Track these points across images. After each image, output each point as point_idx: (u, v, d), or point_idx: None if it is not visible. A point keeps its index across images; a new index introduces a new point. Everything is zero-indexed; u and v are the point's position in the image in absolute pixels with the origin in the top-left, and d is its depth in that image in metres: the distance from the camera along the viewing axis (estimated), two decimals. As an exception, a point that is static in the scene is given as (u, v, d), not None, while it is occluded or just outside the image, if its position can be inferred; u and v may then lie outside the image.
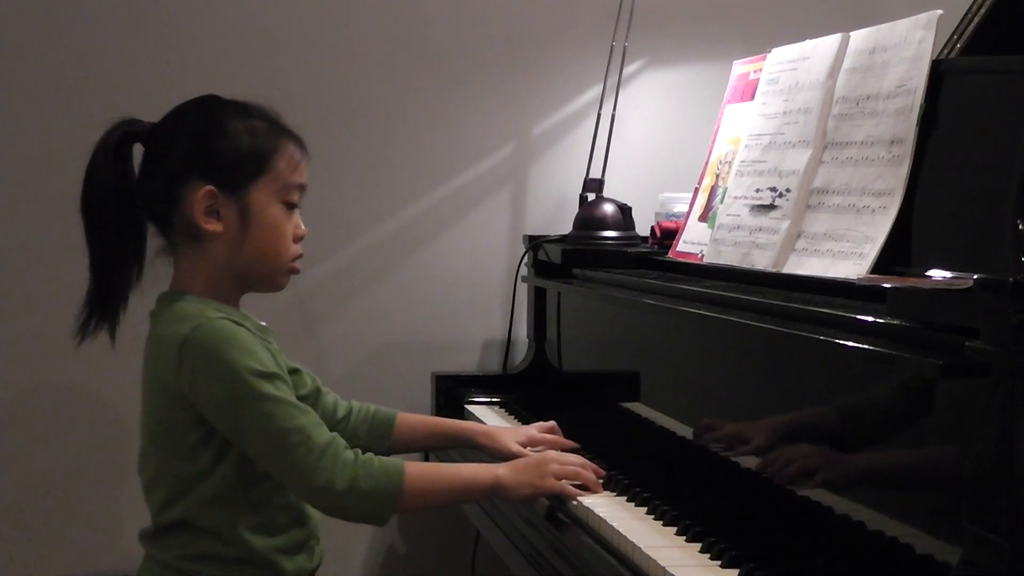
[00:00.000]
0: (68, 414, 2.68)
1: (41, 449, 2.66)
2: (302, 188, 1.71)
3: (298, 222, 1.71)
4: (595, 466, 1.78)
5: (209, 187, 1.63)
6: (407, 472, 1.63)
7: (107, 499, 2.68)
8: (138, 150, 1.70)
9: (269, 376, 1.59)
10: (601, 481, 1.77)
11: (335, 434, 1.63)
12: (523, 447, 1.93)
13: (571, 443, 1.95)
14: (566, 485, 1.73)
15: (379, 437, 1.90)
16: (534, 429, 1.98)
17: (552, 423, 2.00)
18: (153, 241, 1.71)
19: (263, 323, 1.74)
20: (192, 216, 1.64)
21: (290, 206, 1.69)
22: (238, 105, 1.70)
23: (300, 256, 1.72)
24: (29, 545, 2.66)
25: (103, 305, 1.67)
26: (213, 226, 1.64)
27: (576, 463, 1.76)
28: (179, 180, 1.64)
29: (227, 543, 1.63)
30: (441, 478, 1.70)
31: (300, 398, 1.79)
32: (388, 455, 1.90)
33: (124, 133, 1.67)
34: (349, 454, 1.61)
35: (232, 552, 1.63)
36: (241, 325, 1.63)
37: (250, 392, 1.57)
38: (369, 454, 1.63)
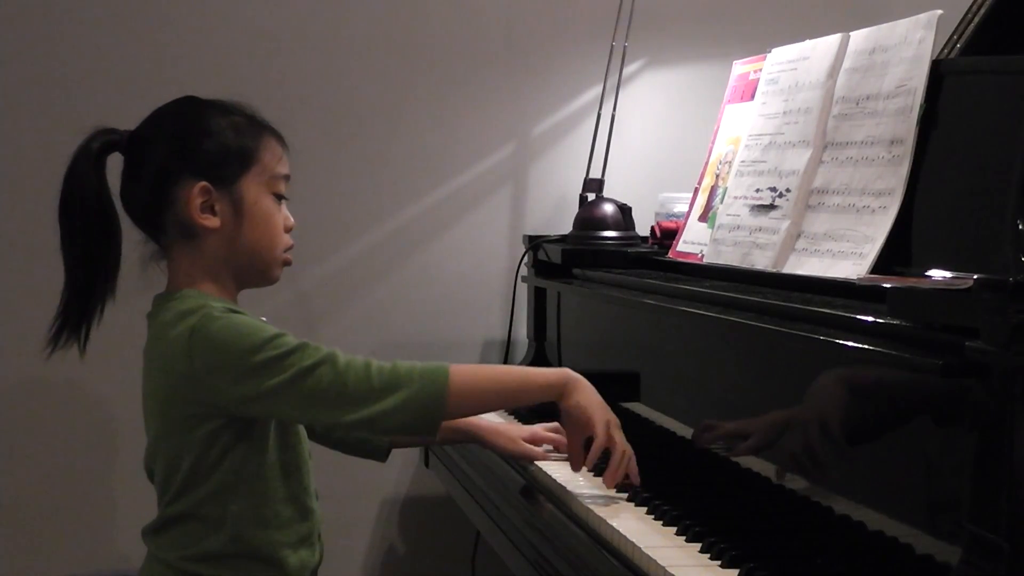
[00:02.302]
0: (67, 414, 2.68)
1: (40, 449, 2.66)
2: (288, 179, 1.73)
3: (287, 213, 1.73)
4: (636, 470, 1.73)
5: (203, 183, 1.64)
6: (453, 366, 1.62)
7: (106, 499, 2.67)
8: (114, 161, 1.70)
9: (276, 336, 1.59)
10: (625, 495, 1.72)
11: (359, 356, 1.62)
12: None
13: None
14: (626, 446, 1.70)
15: None
16: (539, 428, 1.99)
17: (556, 423, 2.00)
18: (142, 246, 1.71)
19: (264, 319, 1.75)
20: (188, 213, 1.64)
21: (279, 197, 1.71)
22: (216, 104, 1.71)
23: (291, 247, 1.73)
24: (28, 545, 2.66)
25: (77, 317, 1.67)
26: (210, 221, 1.65)
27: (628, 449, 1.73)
28: (169, 180, 1.65)
29: (230, 537, 1.63)
30: (492, 371, 1.71)
31: None
32: (390, 447, 1.92)
33: (103, 143, 1.66)
34: (382, 363, 1.61)
35: (235, 548, 1.63)
36: (241, 313, 1.64)
37: (264, 360, 1.57)
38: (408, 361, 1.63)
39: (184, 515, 1.64)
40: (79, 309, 1.67)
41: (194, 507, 1.63)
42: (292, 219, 1.73)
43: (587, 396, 1.69)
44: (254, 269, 1.71)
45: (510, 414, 2.39)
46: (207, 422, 1.61)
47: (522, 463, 1.96)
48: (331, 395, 1.57)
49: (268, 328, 1.61)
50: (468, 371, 1.64)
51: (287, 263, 1.74)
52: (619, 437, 1.72)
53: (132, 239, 1.70)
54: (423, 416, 1.60)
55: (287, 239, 1.72)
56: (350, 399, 1.58)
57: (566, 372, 1.70)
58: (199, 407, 1.61)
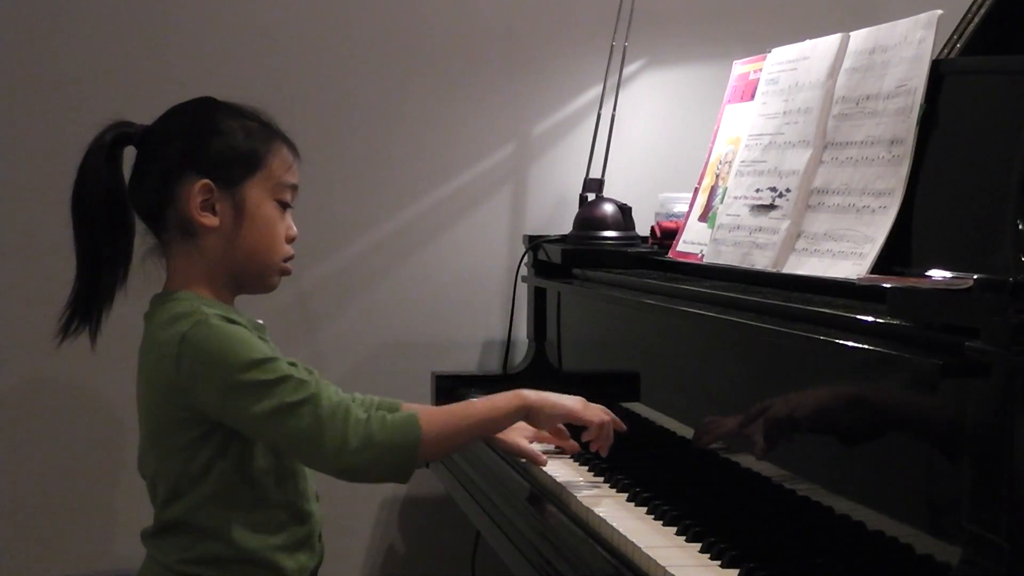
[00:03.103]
0: (67, 413, 2.67)
1: (40, 449, 2.66)
2: (295, 188, 1.73)
3: (290, 223, 1.72)
4: (618, 419, 1.82)
5: (205, 181, 1.64)
6: (422, 416, 1.62)
7: (106, 499, 2.68)
8: (128, 154, 1.70)
9: (267, 361, 1.59)
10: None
11: (344, 397, 1.62)
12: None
13: (575, 445, 1.95)
14: (602, 416, 1.77)
15: None
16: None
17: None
18: (143, 242, 1.71)
19: (260, 321, 1.74)
20: (188, 210, 1.64)
21: (283, 206, 1.70)
22: (233, 107, 1.72)
23: (291, 257, 1.73)
24: (28, 545, 2.66)
25: (87, 306, 1.67)
26: (209, 220, 1.65)
27: (605, 414, 1.80)
28: (174, 176, 1.65)
29: (226, 543, 1.63)
30: (459, 414, 1.69)
31: None
32: None
33: (117, 135, 1.67)
34: (360, 412, 1.60)
35: (232, 552, 1.63)
36: (236, 322, 1.63)
37: (250, 383, 1.57)
38: (381, 412, 1.63)
39: (179, 523, 1.64)
40: (89, 299, 1.67)
41: (188, 515, 1.63)
42: (295, 229, 1.73)
43: (550, 407, 1.73)
44: (250, 274, 1.70)
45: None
46: (195, 427, 1.61)
47: (522, 463, 1.96)
48: (306, 440, 1.58)
49: (261, 347, 1.61)
50: (436, 422, 1.64)
51: (286, 272, 1.73)
52: (597, 410, 1.79)
53: (143, 233, 1.71)
54: (394, 471, 1.62)
55: (287, 249, 1.72)
56: (324, 451, 1.58)
57: (519, 395, 1.72)
58: (185, 412, 1.61)
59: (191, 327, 1.59)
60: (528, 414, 1.73)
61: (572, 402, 1.77)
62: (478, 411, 1.71)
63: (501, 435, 1.91)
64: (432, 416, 1.65)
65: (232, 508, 1.63)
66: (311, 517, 1.71)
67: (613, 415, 1.82)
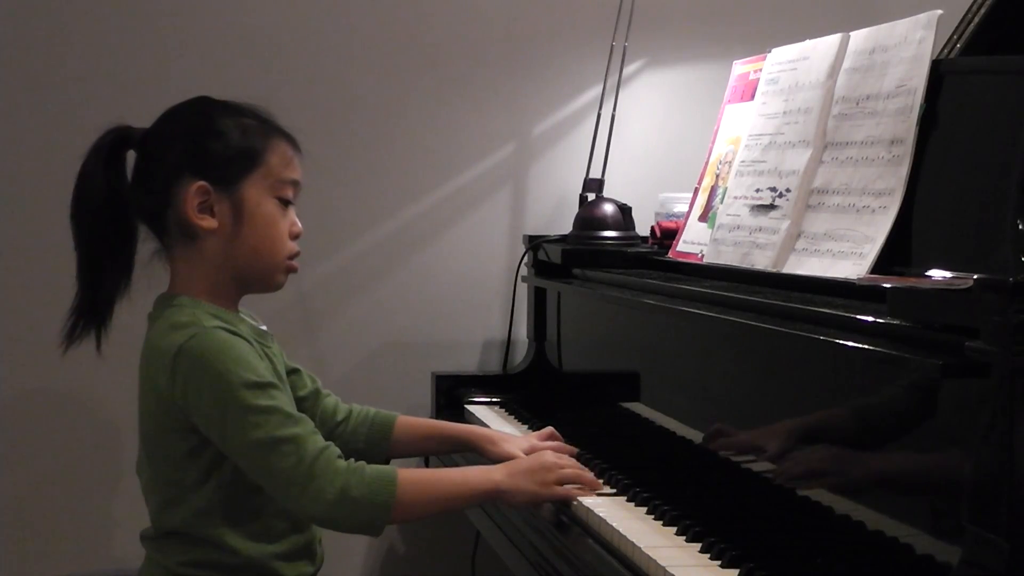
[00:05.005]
0: (67, 415, 2.68)
1: (40, 450, 2.66)
2: (296, 184, 1.71)
3: (294, 219, 1.70)
4: (583, 471, 1.77)
5: (201, 183, 1.63)
6: (400, 480, 1.60)
7: (106, 500, 2.68)
8: (130, 158, 1.70)
9: (263, 386, 1.58)
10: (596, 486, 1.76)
11: (329, 443, 1.61)
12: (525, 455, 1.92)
13: (572, 449, 1.94)
14: (570, 489, 1.71)
15: (379, 440, 1.89)
16: (535, 438, 1.95)
17: (550, 429, 1.97)
18: (148, 245, 1.71)
19: (263, 327, 1.74)
20: (185, 213, 1.64)
21: (285, 202, 1.69)
22: (229, 105, 1.70)
23: (297, 254, 1.71)
24: (29, 545, 2.66)
25: (91, 312, 1.67)
26: (207, 223, 1.64)
27: (574, 465, 1.75)
28: (172, 179, 1.64)
29: (225, 551, 1.62)
30: (436, 485, 1.66)
31: (299, 399, 1.78)
32: (388, 458, 1.89)
33: (116, 139, 1.67)
34: (341, 463, 1.59)
35: (231, 559, 1.63)
36: (237, 333, 1.63)
37: (241, 404, 1.56)
38: (361, 462, 1.61)
39: (176, 531, 1.64)
40: (91, 306, 1.67)
41: (184, 525, 1.63)
42: (300, 225, 1.71)
43: (514, 496, 1.68)
44: (254, 274, 1.69)
45: (510, 414, 2.39)
46: (188, 439, 1.61)
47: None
48: (284, 482, 1.57)
49: (258, 368, 1.60)
50: (412, 487, 1.61)
51: (292, 270, 1.71)
52: (566, 473, 1.72)
53: (148, 236, 1.71)
54: (366, 527, 1.61)
55: (292, 246, 1.70)
56: (299, 497, 1.57)
57: (492, 480, 1.68)
58: (179, 424, 1.60)
59: (188, 339, 1.58)
60: (500, 498, 1.70)
61: (539, 487, 1.69)
62: (454, 486, 1.67)
63: (495, 446, 1.89)
64: (410, 479, 1.62)
65: (229, 518, 1.63)
66: (311, 525, 1.70)
67: (574, 460, 1.79)
